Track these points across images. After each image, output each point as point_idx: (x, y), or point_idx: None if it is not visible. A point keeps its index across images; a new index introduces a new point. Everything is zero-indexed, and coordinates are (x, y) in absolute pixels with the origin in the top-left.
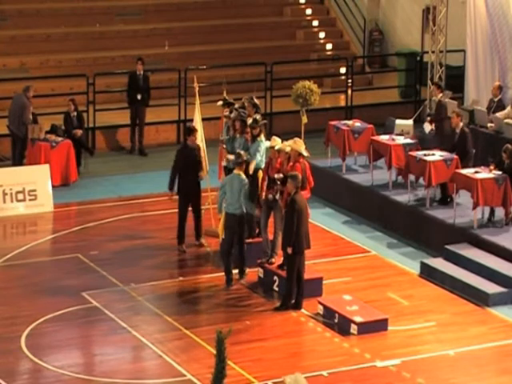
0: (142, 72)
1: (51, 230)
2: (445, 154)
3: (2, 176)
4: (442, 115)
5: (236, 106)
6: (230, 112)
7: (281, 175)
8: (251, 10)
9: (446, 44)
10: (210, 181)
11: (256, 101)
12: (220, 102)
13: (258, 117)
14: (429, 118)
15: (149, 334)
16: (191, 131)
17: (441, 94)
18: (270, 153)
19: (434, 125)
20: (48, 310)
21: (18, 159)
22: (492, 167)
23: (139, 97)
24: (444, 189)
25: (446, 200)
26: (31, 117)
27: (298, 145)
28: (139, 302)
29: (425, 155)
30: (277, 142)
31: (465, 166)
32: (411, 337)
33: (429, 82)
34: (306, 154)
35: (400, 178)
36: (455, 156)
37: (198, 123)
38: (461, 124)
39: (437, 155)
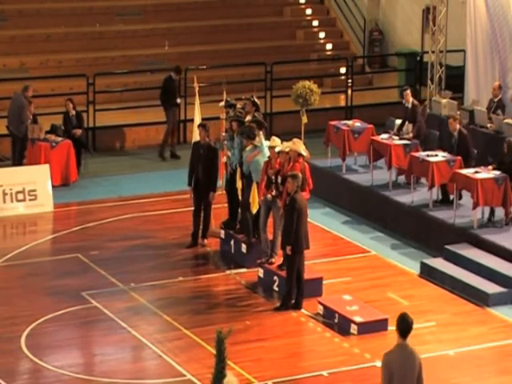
0: (178, 77)
1: (51, 230)
2: (447, 154)
3: (1, 176)
4: (414, 119)
5: (238, 106)
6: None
7: (273, 170)
8: (251, 10)
9: (446, 44)
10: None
11: (256, 100)
12: (222, 103)
13: (255, 115)
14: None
15: (149, 333)
16: (203, 128)
17: (411, 99)
18: (270, 152)
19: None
20: (48, 310)
21: (17, 159)
22: (491, 168)
23: (179, 100)
24: (444, 189)
25: (447, 200)
26: (31, 116)
27: (297, 145)
28: (139, 302)
29: (428, 156)
30: (276, 142)
31: (468, 167)
32: (411, 337)
33: (429, 81)
34: (305, 153)
35: (400, 178)
36: (458, 157)
37: (197, 123)
38: (458, 126)
39: (440, 156)
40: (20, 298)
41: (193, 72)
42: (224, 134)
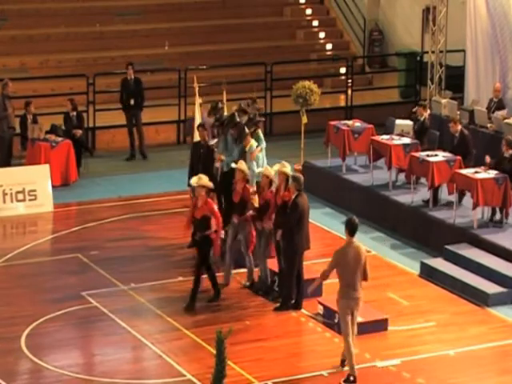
0: (132, 77)
1: (51, 230)
2: (447, 154)
3: (2, 176)
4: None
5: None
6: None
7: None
8: (251, 10)
9: (446, 44)
10: None
11: (244, 107)
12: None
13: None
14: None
15: (149, 334)
16: (203, 128)
17: (459, 128)
18: (262, 181)
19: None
20: (48, 310)
21: (2, 160)
22: (488, 160)
23: (132, 102)
24: (436, 189)
25: (436, 201)
26: (10, 110)
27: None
28: (139, 302)
29: (428, 156)
30: (269, 170)
31: (466, 166)
32: (411, 337)
33: (429, 81)
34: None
35: (400, 178)
36: (458, 157)
37: (197, 123)
38: (459, 127)
39: (440, 156)
40: (20, 298)
41: (193, 72)
42: (215, 141)
